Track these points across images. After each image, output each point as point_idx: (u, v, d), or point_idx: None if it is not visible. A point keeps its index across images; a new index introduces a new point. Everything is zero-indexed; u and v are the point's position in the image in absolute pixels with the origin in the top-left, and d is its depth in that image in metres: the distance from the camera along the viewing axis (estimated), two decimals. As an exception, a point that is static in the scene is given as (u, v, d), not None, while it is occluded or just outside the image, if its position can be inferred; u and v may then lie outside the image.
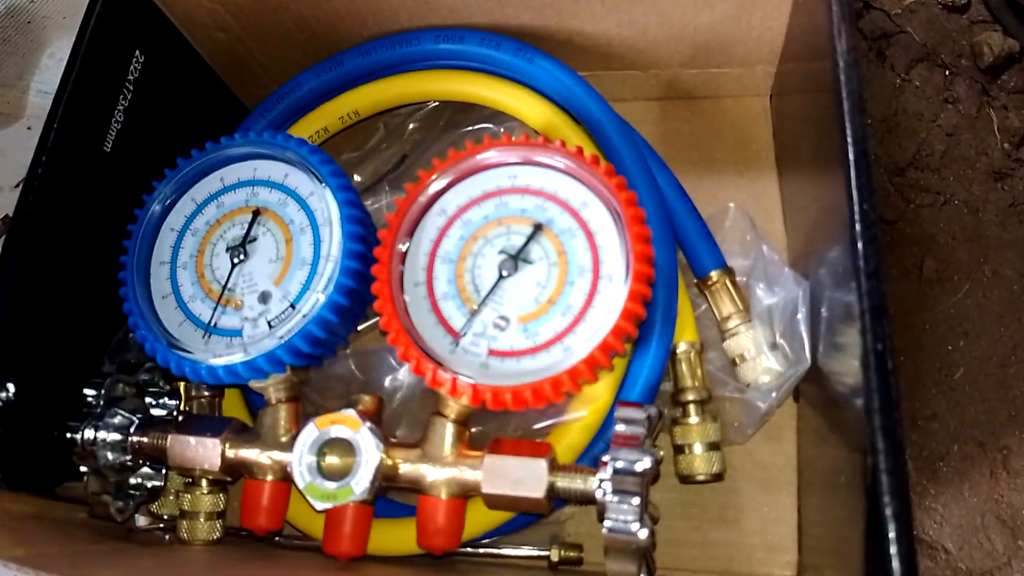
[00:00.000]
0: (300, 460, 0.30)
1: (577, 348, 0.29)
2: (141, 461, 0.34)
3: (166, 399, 0.36)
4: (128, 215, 0.35)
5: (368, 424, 0.30)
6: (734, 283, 0.35)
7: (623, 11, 0.38)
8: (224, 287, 0.33)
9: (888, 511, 0.22)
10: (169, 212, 0.35)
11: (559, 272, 0.31)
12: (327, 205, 0.33)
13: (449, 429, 0.31)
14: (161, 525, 0.36)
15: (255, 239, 0.34)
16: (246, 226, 0.34)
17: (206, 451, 0.32)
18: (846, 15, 0.28)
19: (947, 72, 0.52)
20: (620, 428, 0.28)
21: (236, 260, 0.34)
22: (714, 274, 0.35)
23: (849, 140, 0.26)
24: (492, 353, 0.30)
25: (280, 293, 0.33)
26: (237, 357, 0.31)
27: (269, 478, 0.32)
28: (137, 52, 0.38)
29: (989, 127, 0.50)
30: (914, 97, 0.51)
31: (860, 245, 0.24)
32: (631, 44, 0.40)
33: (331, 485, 0.30)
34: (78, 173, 0.35)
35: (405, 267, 0.32)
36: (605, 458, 0.28)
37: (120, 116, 0.37)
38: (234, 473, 0.33)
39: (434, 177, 0.32)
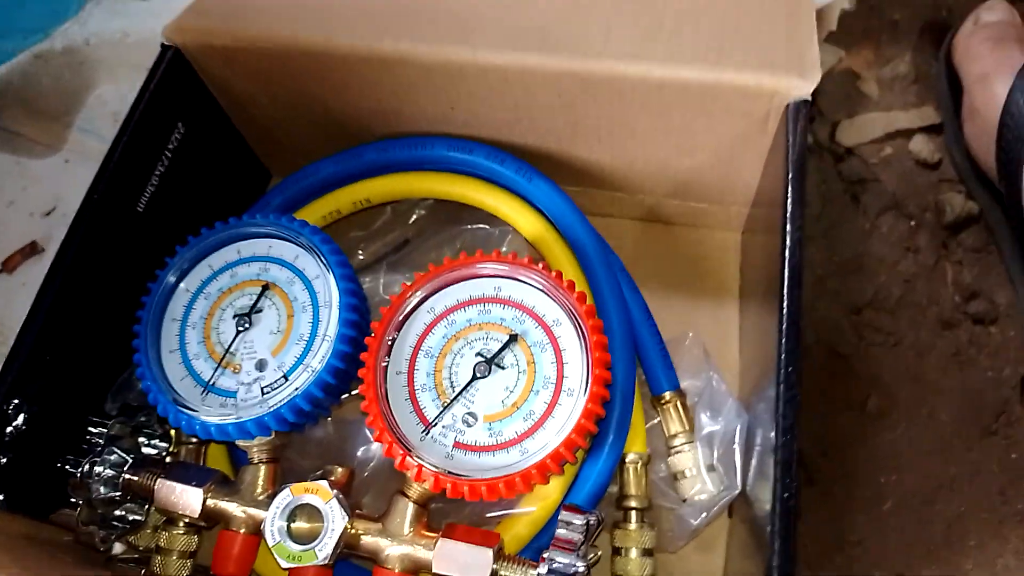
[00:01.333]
0: (272, 522, 0.33)
1: (533, 452, 0.32)
2: (128, 496, 0.37)
3: (158, 441, 0.39)
4: (150, 271, 0.39)
5: (338, 496, 0.33)
6: (684, 404, 0.38)
7: (616, 147, 0.42)
8: (227, 351, 0.37)
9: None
10: (187, 275, 0.38)
11: (527, 380, 0.34)
12: (329, 290, 0.36)
13: (410, 509, 0.33)
14: (136, 556, 0.39)
15: (261, 310, 0.37)
16: (254, 297, 0.37)
17: (189, 498, 0.35)
18: (797, 180, 0.32)
19: (912, 223, 0.56)
20: (561, 531, 0.31)
21: (241, 327, 0.37)
22: (667, 394, 0.39)
23: (784, 311, 0.29)
24: (457, 445, 0.33)
25: (276, 363, 0.36)
26: (229, 418, 0.34)
27: (242, 531, 0.35)
28: (180, 124, 0.42)
29: (943, 279, 0.54)
30: (879, 242, 0.55)
31: (781, 405, 0.28)
32: (621, 173, 0.44)
33: (297, 548, 0.32)
34: (111, 229, 0.38)
35: (391, 357, 0.35)
36: (545, 554, 0.31)
37: (156, 180, 0.41)
38: (211, 521, 0.35)
39: (428, 279, 0.36)
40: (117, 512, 0.38)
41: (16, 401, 0.34)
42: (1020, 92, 0.48)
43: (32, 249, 0.53)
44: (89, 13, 0.62)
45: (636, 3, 0.39)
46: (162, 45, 0.41)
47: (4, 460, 0.33)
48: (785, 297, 0.30)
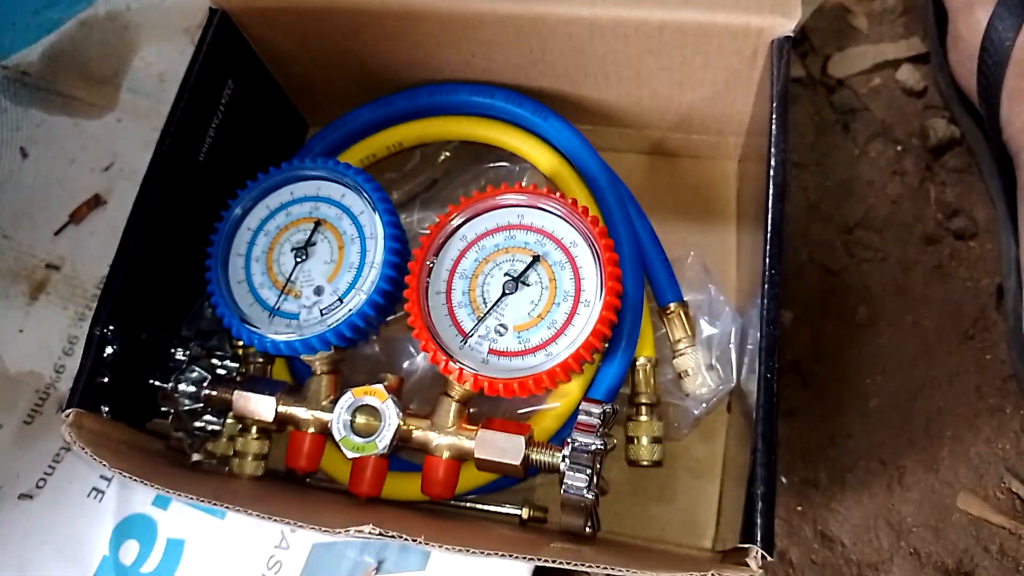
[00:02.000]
0: (339, 418, 0.38)
1: (557, 354, 0.37)
2: (208, 409, 0.43)
3: (229, 361, 0.45)
4: (214, 213, 0.44)
5: (392, 397, 0.38)
6: (687, 314, 0.43)
7: (623, 85, 0.46)
8: (288, 280, 0.42)
9: (759, 491, 0.30)
10: (247, 215, 0.44)
11: (549, 294, 0.39)
12: (374, 223, 0.41)
13: (453, 407, 0.39)
14: (214, 460, 0.44)
15: (314, 243, 0.42)
16: (308, 232, 0.42)
17: (263, 406, 0.40)
18: (781, 107, 0.37)
19: (899, 148, 0.60)
20: (582, 417, 0.37)
21: (298, 259, 0.42)
22: (672, 305, 0.43)
23: (769, 219, 0.34)
24: (491, 352, 0.38)
25: (331, 289, 0.41)
26: (294, 336, 0.40)
27: (311, 431, 0.40)
28: (229, 81, 0.46)
29: (927, 199, 0.58)
30: (868, 167, 0.59)
31: (765, 301, 0.33)
32: (627, 109, 0.48)
33: (360, 440, 0.38)
34: (178, 177, 0.43)
35: (431, 279, 0.40)
36: (568, 439, 0.37)
37: (212, 132, 0.45)
38: (282, 425, 0.41)
39: (460, 211, 0.41)
40: (197, 423, 0.43)
41: (112, 327, 0.39)
42: (999, 19, 0.51)
43: (96, 201, 0.58)
44: (127, -21, 0.66)
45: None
46: (210, 8, 0.45)
47: (106, 379, 0.39)
48: (770, 209, 0.34)
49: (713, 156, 0.51)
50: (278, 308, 0.41)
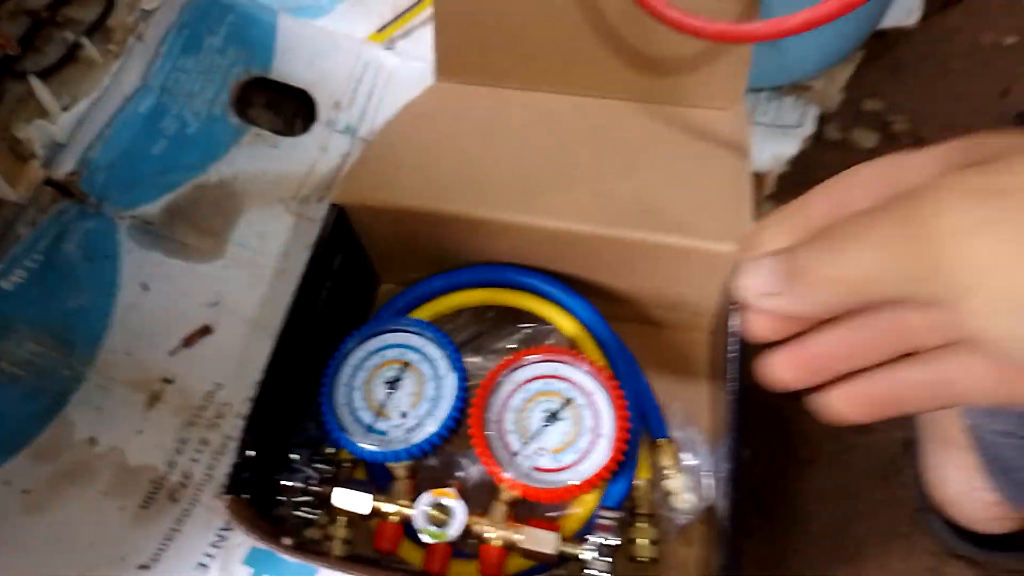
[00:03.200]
0: (420, 512, 0.49)
1: (583, 472, 0.50)
2: (312, 500, 0.53)
3: (323, 465, 0.55)
4: (325, 351, 0.56)
5: (460, 498, 0.50)
6: (672, 447, 0.56)
7: (624, 279, 0.59)
8: (381, 405, 0.54)
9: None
10: (351, 354, 0.56)
11: (575, 428, 0.52)
12: (447, 368, 0.54)
13: (503, 508, 0.50)
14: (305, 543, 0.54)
15: (401, 379, 0.55)
16: (397, 371, 0.55)
17: (362, 500, 0.51)
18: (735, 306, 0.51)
19: None
20: (601, 520, 0.49)
21: (389, 391, 0.55)
22: (662, 440, 0.56)
23: (730, 393, 0.48)
24: (534, 468, 0.51)
25: (414, 414, 0.53)
26: (385, 447, 0.52)
27: (395, 520, 0.51)
28: (339, 255, 0.60)
29: None
30: None
31: (730, 442, 0.46)
32: (628, 292, 0.61)
33: (435, 529, 0.49)
34: (303, 323, 0.55)
35: (490, 410, 0.53)
36: (589, 536, 0.49)
37: (326, 291, 0.59)
38: (370, 517, 0.52)
39: (514, 362, 0.54)
40: (298, 512, 0.54)
41: (254, 436, 0.51)
42: None
43: (205, 330, 0.71)
44: (234, 155, 0.80)
45: (631, 188, 0.59)
46: (331, 204, 0.59)
47: (247, 474, 0.50)
48: (729, 382, 0.48)
49: (691, 328, 0.64)
50: (372, 426, 0.54)
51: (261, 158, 0.80)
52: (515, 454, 0.51)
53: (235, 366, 0.69)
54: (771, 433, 0.69)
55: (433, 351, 0.56)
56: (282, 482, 0.52)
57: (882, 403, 0.27)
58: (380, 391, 0.55)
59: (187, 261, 0.75)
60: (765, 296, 0.26)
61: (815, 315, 0.26)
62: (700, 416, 0.60)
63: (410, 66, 0.84)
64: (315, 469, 0.54)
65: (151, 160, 0.77)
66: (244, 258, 0.75)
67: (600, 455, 0.50)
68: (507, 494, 0.51)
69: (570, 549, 0.49)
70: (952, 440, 0.57)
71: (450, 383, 0.54)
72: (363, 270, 0.67)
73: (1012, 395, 0.25)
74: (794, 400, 0.59)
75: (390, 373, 0.55)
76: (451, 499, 0.50)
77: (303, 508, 0.53)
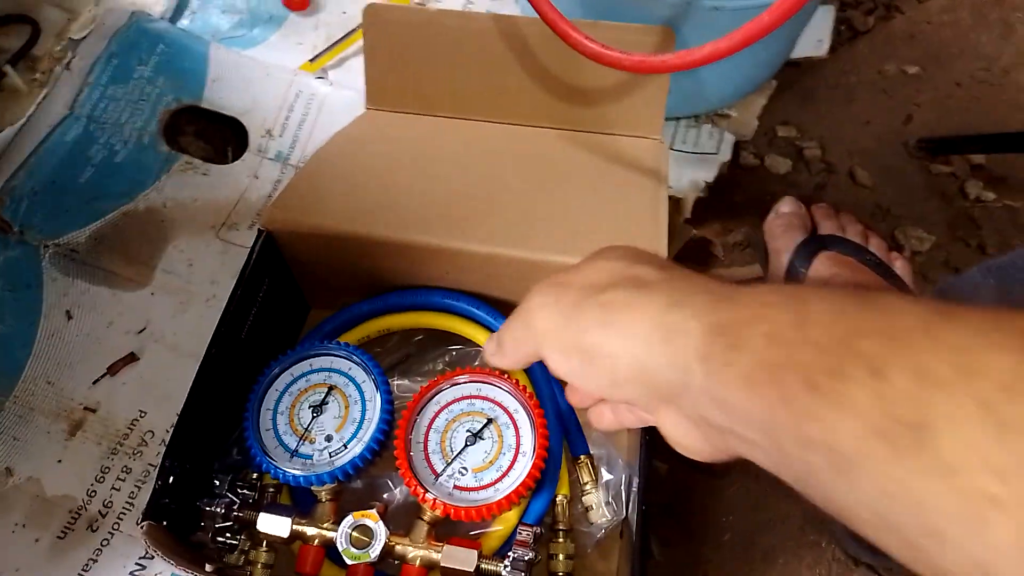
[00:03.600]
0: (342, 534, 0.50)
1: (503, 490, 0.51)
2: (235, 526, 0.53)
3: (247, 490, 0.55)
4: (250, 376, 0.56)
5: (382, 519, 0.50)
6: (592, 463, 0.57)
7: None
8: (305, 429, 0.54)
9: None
10: (276, 379, 0.56)
11: (497, 447, 0.53)
12: (373, 390, 0.55)
13: (425, 528, 0.51)
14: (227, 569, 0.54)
15: (327, 403, 0.55)
16: (322, 395, 0.55)
17: (281, 524, 0.51)
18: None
19: None
20: (520, 535, 0.50)
21: (314, 414, 0.55)
22: (582, 456, 0.57)
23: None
24: (456, 487, 0.51)
25: (338, 437, 0.54)
26: (309, 472, 0.51)
27: (316, 543, 0.51)
28: (266, 279, 0.60)
29: None
30: None
31: (643, 458, 0.47)
32: None
33: (356, 551, 0.49)
34: (229, 348, 0.55)
35: (413, 432, 0.53)
36: (509, 553, 0.49)
37: (252, 317, 0.59)
38: (291, 540, 0.52)
39: (437, 384, 0.55)
40: (219, 537, 0.53)
41: (174, 462, 0.51)
42: (795, 264, 0.71)
43: (131, 358, 0.70)
44: (164, 183, 0.80)
45: (556, 213, 0.60)
46: (259, 230, 0.59)
47: (167, 500, 0.50)
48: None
49: None
50: (297, 451, 0.54)
51: (191, 186, 0.80)
52: (438, 475, 0.52)
53: (160, 394, 0.69)
54: None
55: (359, 374, 0.56)
56: (204, 507, 0.52)
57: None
58: (305, 415, 0.55)
59: (112, 289, 0.74)
60: (492, 356, 0.42)
61: (516, 365, 0.41)
62: (620, 433, 0.62)
63: (342, 94, 0.85)
64: (237, 494, 0.54)
65: (78, 188, 0.76)
66: (172, 285, 0.74)
67: (521, 472, 0.51)
68: (430, 514, 0.51)
69: (489, 566, 0.50)
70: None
71: (375, 405, 0.54)
72: (292, 295, 0.67)
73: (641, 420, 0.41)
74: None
75: (315, 397, 0.56)
76: (373, 521, 0.50)
77: (225, 534, 0.53)
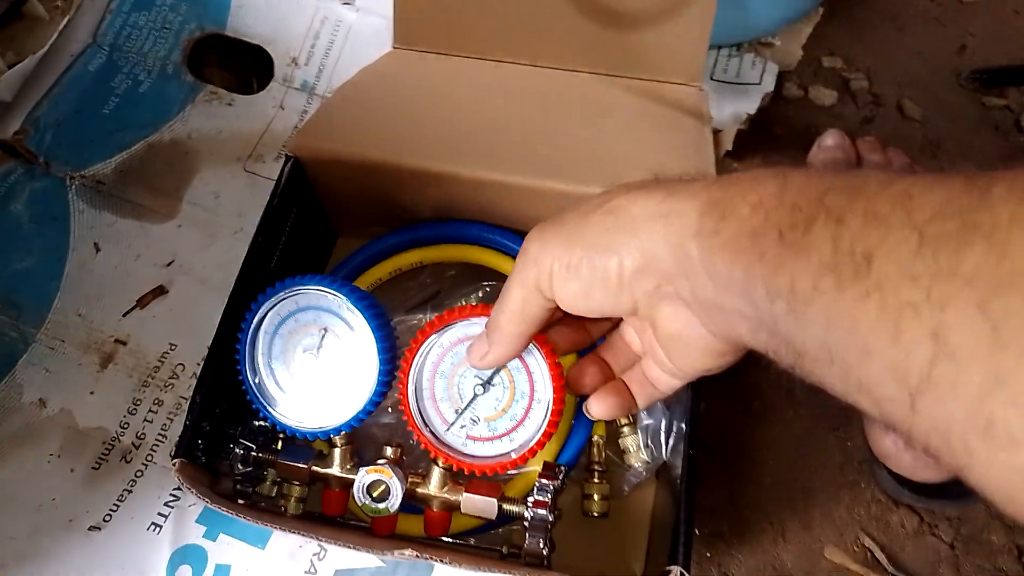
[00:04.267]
0: (358, 491, 0.47)
1: (518, 440, 0.46)
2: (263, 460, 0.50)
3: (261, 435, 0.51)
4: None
5: (395, 470, 0.47)
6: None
7: None
8: (305, 376, 0.49)
9: (680, 535, 0.41)
10: (263, 320, 0.49)
11: (509, 393, 0.46)
12: (370, 336, 0.47)
13: (442, 474, 0.48)
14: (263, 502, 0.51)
15: (323, 347, 0.49)
16: (317, 337, 0.49)
17: (300, 471, 0.50)
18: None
19: None
20: (543, 479, 0.47)
21: (311, 357, 0.49)
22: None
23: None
24: (469, 437, 0.47)
25: (340, 386, 0.48)
26: (316, 425, 0.48)
27: (337, 488, 0.49)
28: (295, 208, 0.58)
29: None
30: None
31: (690, 401, 0.45)
32: None
33: (375, 505, 0.47)
34: (256, 281, 0.52)
35: (417, 379, 0.47)
36: (529, 500, 0.46)
37: (280, 247, 0.56)
38: (314, 482, 0.50)
39: (441, 324, 0.46)
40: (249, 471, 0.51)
41: (205, 399, 0.48)
42: None
43: (159, 291, 0.68)
44: (188, 114, 0.77)
45: (597, 145, 0.57)
46: (286, 155, 0.56)
47: (202, 442, 0.48)
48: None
49: None
50: (298, 399, 0.49)
51: (216, 116, 0.77)
52: (449, 424, 0.47)
53: (190, 326, 0.67)
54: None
55: (353, 316, 0.48)
56: (232, 447, 0.50)
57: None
58: (301, 360, 0.49)
59: (139, 221, 0.72)
60: (481, 358, 0.43)
61: (517, 341, 0.41)
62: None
63: (370, 21, 0.81)
64: (254, 439, 0.51)
65: (102, 119, 0.73)
66: (199, 218, 0.72)
67: (536, 422, 0.46)
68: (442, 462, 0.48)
69: (512, 507, 0.47)
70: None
71: (375, 354, 0.48)
72: (320, 224, 0.64)
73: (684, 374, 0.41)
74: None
75: (307, 340, 0.49)
76: (387, 476, 0.47)
77: (253, 469, 0.51)
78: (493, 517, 0.47)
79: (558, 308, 0.38)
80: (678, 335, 0.36)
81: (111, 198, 0.72)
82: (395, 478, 0.47)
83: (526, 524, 0.46)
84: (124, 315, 0.68)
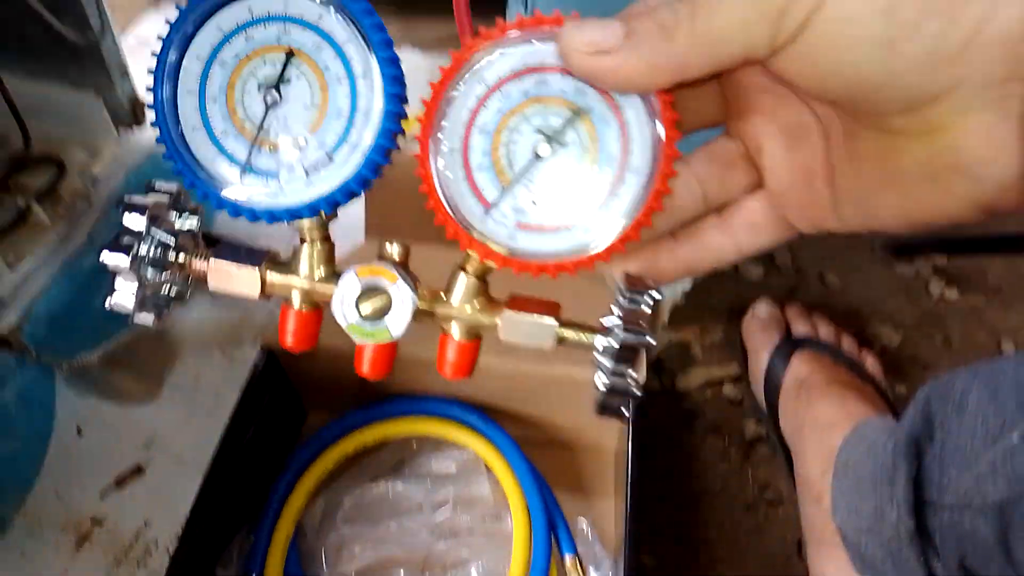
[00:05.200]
0: (342, 304, 0.31)
1: (597, 231, 0.30)
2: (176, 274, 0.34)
3: (189, 215, 0.35)
4: (253, 482, 0.59)
5: (403, 275, 0.31)
6: (580, 563, 0.60)
7: (540, 408, 0.70)
8: (259, 128, 0.31)
9: None
10: (193, 39, 0.31)
11: (590, 157, 0.30)
12: (366, 58, 0.30)
13: (471, 284, 0.33)
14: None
15: (288, 81, 0.31)
16: (278, 66, 0.31)
17: (247, 279, 0.33)
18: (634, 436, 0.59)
19: (725, 441, 0.79)
20: (627, 302, 0.30)
21: (269, 101, 0.31)
22: (567, 556, 0.61)
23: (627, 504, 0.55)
24: (520, 226, 0.30)
25: (316, 141, 0.31)
26: (275, 201, 0.32)
27: (304, 307, 0.33)
28: (267, 394, 0.64)
29: (746, 477, 0.76)
30: (706, 452, 0.78)
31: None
32: (543, 419, 0.71)
33: (369, 326, 0.31)
34: (237, 452, 0.56)
35: (444, 134, 0.30)
36: (608, 324, 0.30)
37: (254, 427, 0.61)
38: (269, 297, 0.34)
39: (481, 45, 0.29)
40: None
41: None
42: (774, 364, 0.75)
43: (137, 470, 0.65)
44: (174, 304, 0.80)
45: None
46: (261, 348, 0.65)
47: None
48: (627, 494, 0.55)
49: (598, 448, 0.68)
50: (250, 163, 0.32)
51: (200, 307, 0.79)
52: (491, 206, 0.31)
53: (165, 503, 0.63)
54: (672, 541, 0.71)
55: (337, 27, 0.31)
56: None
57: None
58: (254, 103, 0.32)
59: (122, 404, 0.70)
60: (595, 55, 0.25)
61: (655, 79, 0.26)
62: (606, 531, 0.65)
63: (346, 212, 0.90)
64: (173, 231, 0.35)
65: (92, 312, 0.74)
66: (178, 398, 0.70)
67: (627, 202, 0.30)
68: (476, 264, 0.32)
69: (581, 335, 0.32)
70: (827, 539, 0.62)
71: (374, 85, 0.31)
72: (292, 405, 0.66)
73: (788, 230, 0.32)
74: (693, 511, 0.66)
75: (265, 71, 0.31)
76: (389, 280, 0.31)
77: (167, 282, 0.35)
78: (549, 346, 0.32)
79: (748, 73, 0.28)
80: (978, 157, 0.23)
81: (96, 383, 0.70)
82: (402, 285, 0.31)
83: (604, 360, 0.30)
84: (102, 496, 0.64)
